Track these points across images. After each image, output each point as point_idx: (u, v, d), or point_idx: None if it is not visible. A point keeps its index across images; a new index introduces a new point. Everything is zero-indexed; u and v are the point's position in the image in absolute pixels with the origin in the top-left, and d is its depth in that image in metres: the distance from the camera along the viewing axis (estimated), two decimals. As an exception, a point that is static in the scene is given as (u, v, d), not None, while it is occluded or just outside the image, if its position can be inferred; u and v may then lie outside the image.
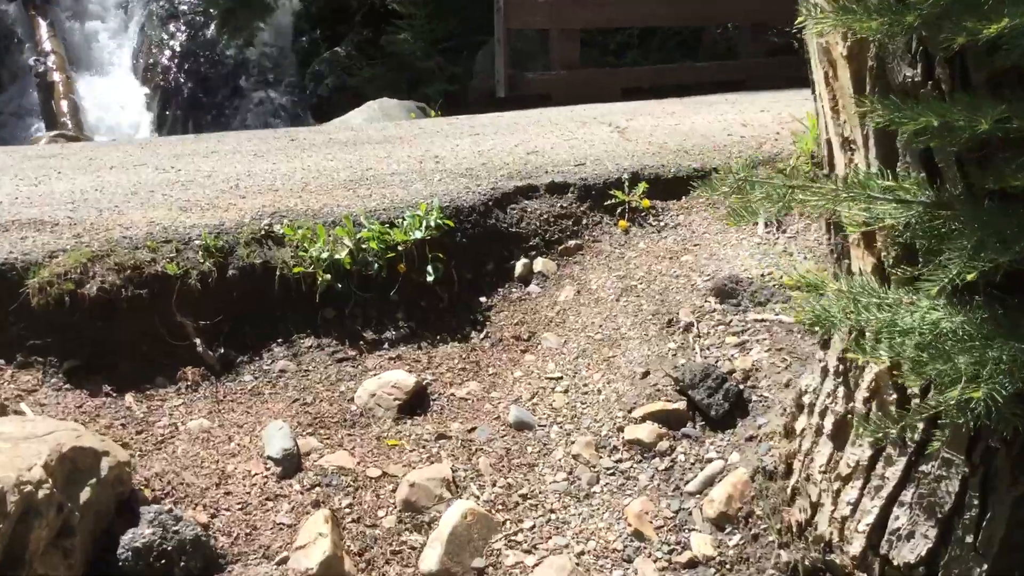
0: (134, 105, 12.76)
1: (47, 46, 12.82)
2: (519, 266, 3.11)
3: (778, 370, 2.61)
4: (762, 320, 2.80)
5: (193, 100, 12.44)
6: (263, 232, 2.84)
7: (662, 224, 3.23)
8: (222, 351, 2.74)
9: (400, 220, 2.94)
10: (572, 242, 3.15)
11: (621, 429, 2.58)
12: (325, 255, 2.78)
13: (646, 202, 3.30)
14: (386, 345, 2.86)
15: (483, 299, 3.04)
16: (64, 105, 12.06)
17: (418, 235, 2.87)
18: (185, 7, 13.00)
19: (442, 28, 11.30)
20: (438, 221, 2.90)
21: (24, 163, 4.70)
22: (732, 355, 2.71)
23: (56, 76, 12.41)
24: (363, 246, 2.83)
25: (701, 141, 4.15)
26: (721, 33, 9.50)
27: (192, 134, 6.47)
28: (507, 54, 7.42)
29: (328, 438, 2.60)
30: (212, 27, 12.48)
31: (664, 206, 3.35)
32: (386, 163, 4.03)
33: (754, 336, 2.76)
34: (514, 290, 3.11)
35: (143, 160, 4.61)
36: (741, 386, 2.61)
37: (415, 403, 2.76)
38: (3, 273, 2.64)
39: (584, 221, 3.23)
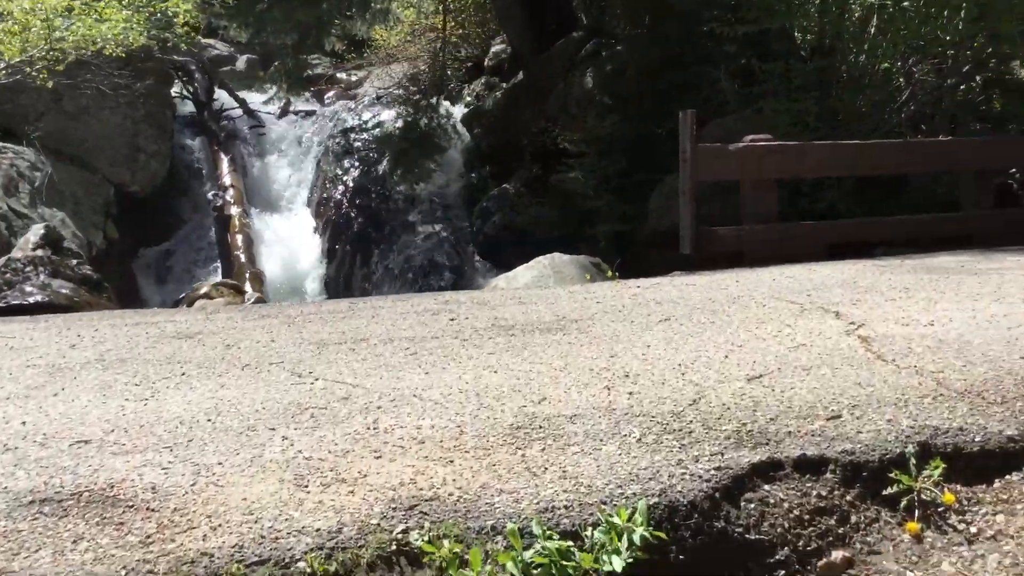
0: (306, 238, 12.57)
1: (227, 180, 12.89)
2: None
3: None
4: None
5: (362, 234, 12.12)
6: (394, 545, 1.94)
7: (973, 531, 2.12)
8: None
9: (588, 529, 1.99)
10: (838, 554, 2.08)
11: None
12: (480, 597, 1.84)
13: (949, 496, 2.19)
14: None
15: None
16: (239, 239, 11.96)
17: (617, 565, 1.89)
18: (359, 144, 12.85)
19: (614, 166, 10.55)
20: (645, 535, 1.92)
21: (151, 351, 4.04)
22: None
23: (233, 210, 12.40)
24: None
25: (989, 368, 3.01)
26: (934, 178, 8.28)
27: (346, 299, 5.78)
28: (693, 208, 6.47)
29: None
30: (384, 163, 12.23)
31: (969, 495, 2.23)
32: (563, 384, 3.09)
33: None
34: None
35: (281, 354, 3.86)
36: None
37: None
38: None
39: (852, 519, 2.17)
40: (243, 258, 11.65)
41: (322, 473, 2.30)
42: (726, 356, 3.37)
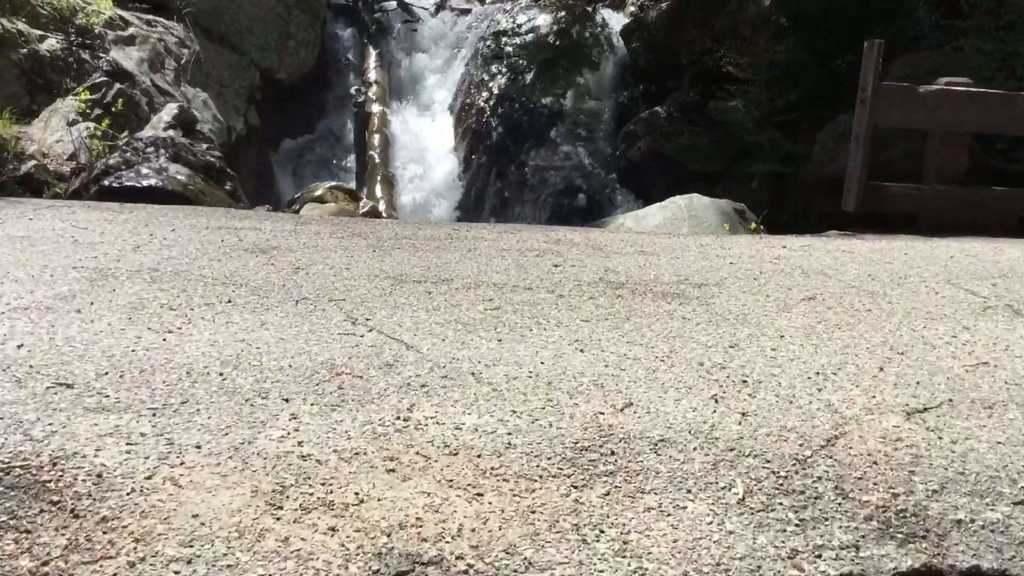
0: (445, 144, 12.07)
1: (372, 76, 12.45)
2: None
3: None
4: None
5: (501, 147, 11.49)
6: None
7: None
8: None
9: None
10: None
11: None
12: None
13: None
14: None
15: None
16: (376, 139, 11.56)
17: None
18: (510, 48, 12.11)
19: (782, 98, 9.45)
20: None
21: (213, 265, 3.59)
22: None
23: (375, 107, 11.97)
24: None
25: None
26: None
27: (449, 225, 5.20)
28: (866, 157, 5.51)
29: None
30: (532, 72, 11.48)
31: None
32: (660, 383, 2.43)
33: None
34: None
35: (348, 288, 3.34)
36: None
37: None
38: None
39: None
40: (377, 159, 11.25)
41: (310, 486, 1.74)
42: (881, 368, 2.60)
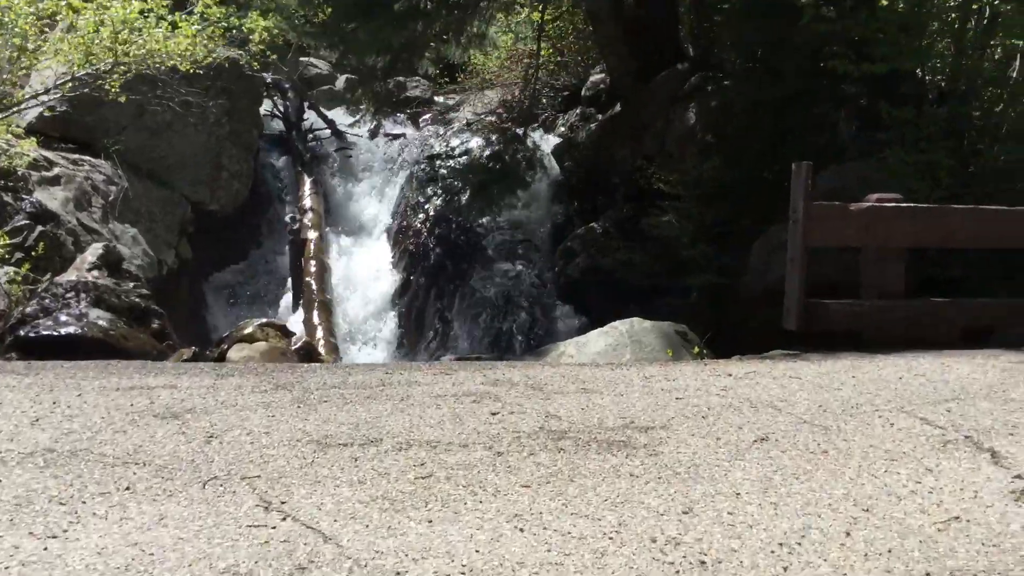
0: (382, 267, 11.87)
1: (307, 203, 12.30)
2: None
3: None
4: None
5: (439, 267, 11.33)
6: None
7: None
8: None
9: None
10: None
11: None
12: None
13: None
14: None
15: None
16: (312, 265, 11.32)
17: None
18: (445, 171, 12.10)
19: (713, 213, 9.48)
20: None
21: (115, 440, 3.25)
22: None
23: (311, 234, 11.78)
24: None
25: None
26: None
27: (382, 368, 5.00)
28: (801, 277, 5.41)
29: None
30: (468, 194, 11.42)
31: None
32: (609, 572, 2.16)
33: None
34: None
35: (264, 460, 3.03)
36: None
37: None
38: None
39: None
40: (315, 286, 11.00)
41: None
42: (847, 533, 2.36)
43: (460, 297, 10.78)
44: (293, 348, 6.48)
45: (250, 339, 6.49)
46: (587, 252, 10.07)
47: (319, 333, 10.24)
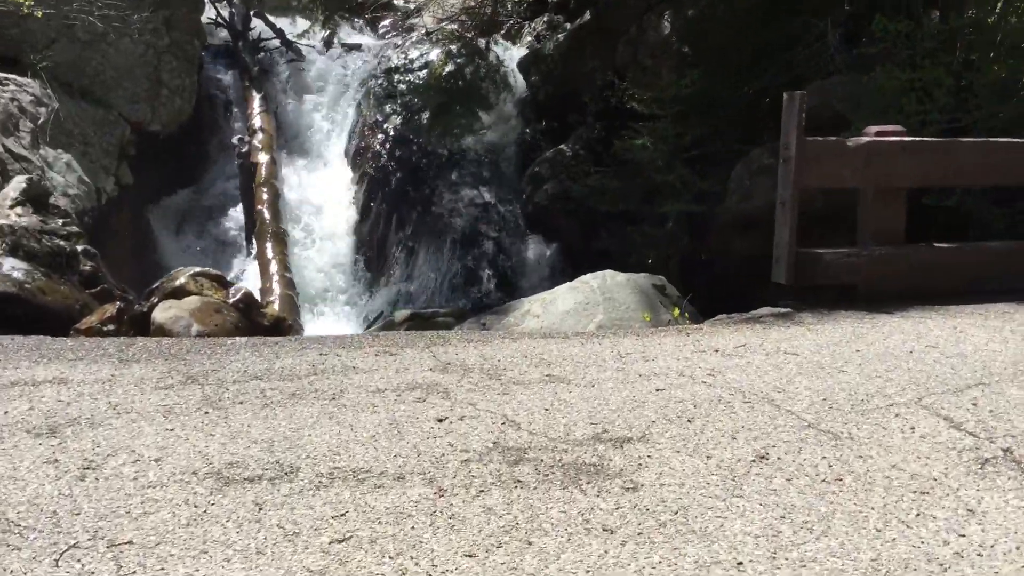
0: (340, 192, 11.06)
1: (257, 122, 11.38)
2: None
3: None
4: None
5: (400, 193, 10.56)
6: None
7: None
8: None
9: None
10: None
11: None
12: None
13: None
14: None
15: None
16: (264, 192, 10.49)
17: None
18: (404, 86, 11.18)
19: (689, 134, 8.75)
20: None
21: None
22: None
23: (261, 157, 10.90)
24: None
25: None
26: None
27: (317, 347, 4.39)
28: (793, 223, 4.77)
29: None
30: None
31: None
32: None
33: None
34: None
35: (144, 504, 2.41)
36: None
37: None
38: None
39: None
40: (267, 214, 10.19)
41: None
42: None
43: (424, 225, 10.06)
44: (231, 301, 5.79)
45: (182, 292, 5.78)
46: (556, 177, 9.34)
47: (273, 267, 9.51)
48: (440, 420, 3.02)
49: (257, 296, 9.37)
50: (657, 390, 3.36)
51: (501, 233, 9.76)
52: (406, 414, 3.07)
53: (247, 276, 9.52)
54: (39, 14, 7.73)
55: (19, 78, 9.80)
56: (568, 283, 5.32)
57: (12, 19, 9.09)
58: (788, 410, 3.12)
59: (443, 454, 2.71)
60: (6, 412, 3.03)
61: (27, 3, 7.50)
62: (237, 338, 4.33)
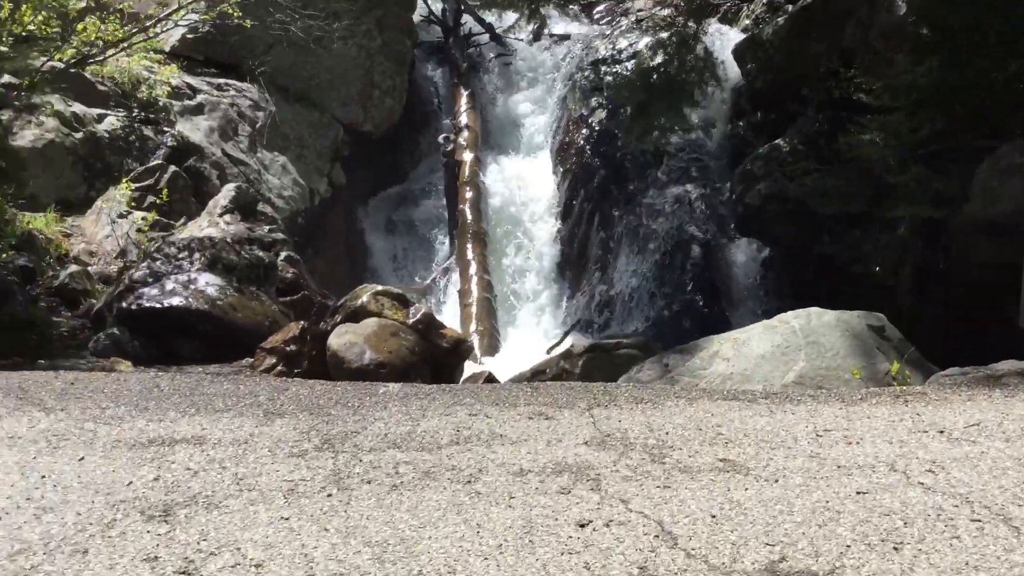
0: (543, 189, 10.74)
1: (463, 119, 11.28)
2: None
3: None
4: None
5: (603, 189, 10.07)
6: None
7: None
8: None
9: None
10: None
11: None
12: None
13: None
14: None
15: None
16: (467, 191, 10.37)
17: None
18: (611, 78, 10.64)
19: (928, 128, 7.61)
20: None
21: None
22: None
23: (466, 155, 10.80)
24: None
25: None
26: None
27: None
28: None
29: None
30: (634, 106, 9.94)
31: None
32: None
33: None
34: None
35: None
36: None
37: None
38: None
39: None
40: (469, 214, 10.06)
41: None
42: None
43: (626, 225, 9.52)
44: (410, 322, 5.58)
45: (363, 311, 5.63)
46: (771, 176, 8.49)
47: (472, 269, 9.35)
48: (582, 526, 2.54)
49: (456, 298, 9.27)
50: (859, 493, 2.70)
51: (708, 235, 9.04)
52: (544, 513, 2.61)
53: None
54: (247, 24, 7.90)
55: (239, 84, 10.20)
56: (765, 321, 4.61)
57: (232, 27, 9.40)
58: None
59: (576, 592, 2.23)
60: (130, 483, 2.87)
61: (235, 13, 7.68)
62: (391, 386, 4.04)
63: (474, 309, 8.65)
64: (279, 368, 5.10)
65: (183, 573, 2.34)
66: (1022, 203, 7.06)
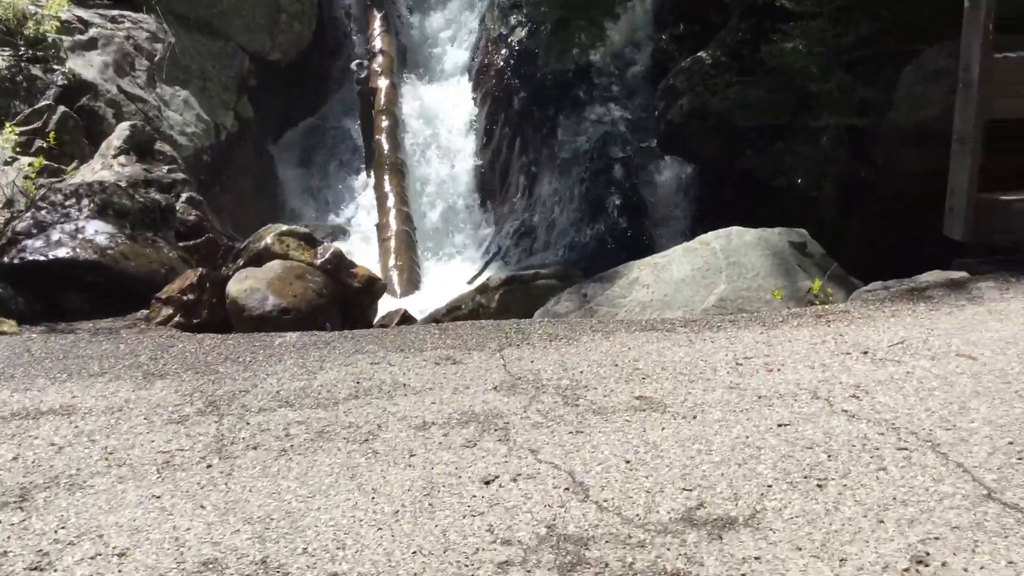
0: (462, 115, 10.35)
1: (377, 43, 10.75)
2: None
3: None
4: None
5: (524, 113, 9.73)
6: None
7: None
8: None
9: None
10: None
11: None
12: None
13: None
14: None
15: None
16: (383, 120, 9.94)
17: None
18: (528, -5, 10.17)
19: (852, 33, 7.41)
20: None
21: None
22: None
23: (381, 81, 10.32)
24: None
25: None
26: None
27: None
28: (973, 165, 3.70)
29: None
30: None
31: None
32: None
33: None
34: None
35: None
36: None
37: None
38: None
39: None
40: (385, 145, 9.65)
41: None
42: None
43: (548, 149, 9.23)
44: (318, 263, 5.27)
45: (267, 254, 5.30)
46: (693, 90, 8.24)
47: (390, 201, 9.01)
48: (487, 483, 2.33)
49: (374, 231, 8.94)
50: (779, 425, 2.54)
51: (631, 155, 8.81)
52: (447, 471, 2.40)
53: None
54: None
55: (134, 15, 9.52)
56: (685, 244, 4.42)
57: (127, -47, 8.67)
58: (959, 463, 2.25)
59: (476, 550, 2.03)
60: (-10, 461, 2.57)
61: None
62: (288, 336, 3.75)
63: (393, 243, 8.33)
64: (176, 319, 4.77)
65: (35, 569, 2.08)
66: (948, 108, 6.95)
